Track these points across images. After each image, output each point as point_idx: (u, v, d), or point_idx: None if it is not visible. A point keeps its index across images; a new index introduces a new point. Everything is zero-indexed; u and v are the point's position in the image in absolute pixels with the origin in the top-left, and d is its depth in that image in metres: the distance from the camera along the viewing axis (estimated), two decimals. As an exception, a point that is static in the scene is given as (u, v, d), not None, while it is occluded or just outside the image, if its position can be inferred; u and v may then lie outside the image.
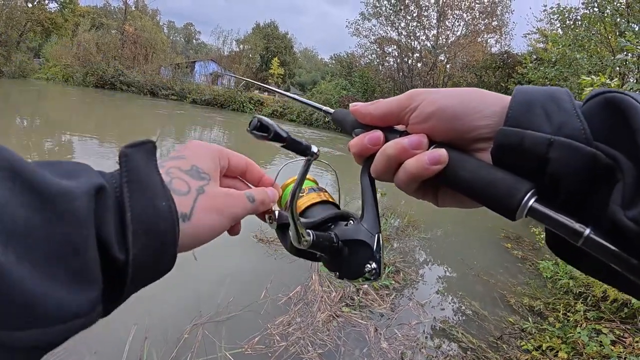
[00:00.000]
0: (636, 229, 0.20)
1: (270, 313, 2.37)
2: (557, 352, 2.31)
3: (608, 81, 3.61)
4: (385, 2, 20.07)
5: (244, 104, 23.74)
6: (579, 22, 8.05)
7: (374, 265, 0.32)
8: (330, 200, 0.40)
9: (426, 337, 2.45)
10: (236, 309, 2.36)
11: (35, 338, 0.18)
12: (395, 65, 21.36)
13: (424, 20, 20.18)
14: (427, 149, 0.30)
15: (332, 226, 0.37)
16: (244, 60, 27.57)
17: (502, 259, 4.40)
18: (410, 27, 20.34)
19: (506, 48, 19.52)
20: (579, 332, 2.42)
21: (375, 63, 22.16)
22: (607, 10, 7.07)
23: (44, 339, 0.19)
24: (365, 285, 2.88)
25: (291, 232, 0.32)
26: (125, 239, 0.23)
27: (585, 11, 7.62)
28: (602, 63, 7.31)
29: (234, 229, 0.37)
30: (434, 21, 20.25)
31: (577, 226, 0.23)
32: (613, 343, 2.34)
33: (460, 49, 19.69)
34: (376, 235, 0.33)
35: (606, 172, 0.23)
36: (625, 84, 4.49)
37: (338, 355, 2.10)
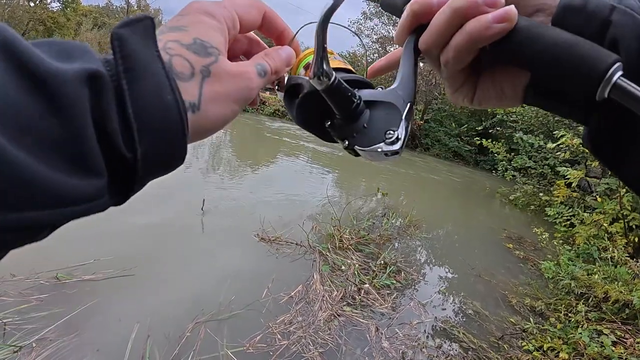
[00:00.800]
0: None
1: (271, 312, 2.38)
2: (558, 352, 2.31)
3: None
4: (388, 1, 20.03)
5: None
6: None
7: (397, 132, 0.27)
8: (351, 69, 0.34)
9: (427, 337, 2.46)
10: (238, 308, 2.37)
11: (31, 219, 0.17)
12: (397, 64, 21.35)
13: (427, 20, 20.15)
14: None
15: (357, 90, 0.31)
16: (246, 59, 27.55)
17: (504, 259, 4.40)
18: (412, 27, 20.32)
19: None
20: (580, 333, 2.42)
21: (378, 62, 22.15)
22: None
23: (42, 219, 0.18)
24: (367, 285, 2.89)
25: (315, 68, 0.27)
26: (130, 136, 0.21)
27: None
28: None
29: (251, 103, 0.33)
30: (437, 20, 20.21)
31: None
32: (614, 344, 2.34)
33: (463, 48, 19.67)
34: (409, 104, 0.29)
35: None
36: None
37: (339, 355, 2.11)
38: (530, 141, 6.54)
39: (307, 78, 0.29)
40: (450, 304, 3.04)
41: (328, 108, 0.30)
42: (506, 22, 0.25)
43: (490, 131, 13.15)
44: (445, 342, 2.43)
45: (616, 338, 2.42)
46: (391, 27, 21.01)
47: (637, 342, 2.31)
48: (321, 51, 0.27)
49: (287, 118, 22.64)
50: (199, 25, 0.27)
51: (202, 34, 0.26)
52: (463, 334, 2.53)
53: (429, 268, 3.78)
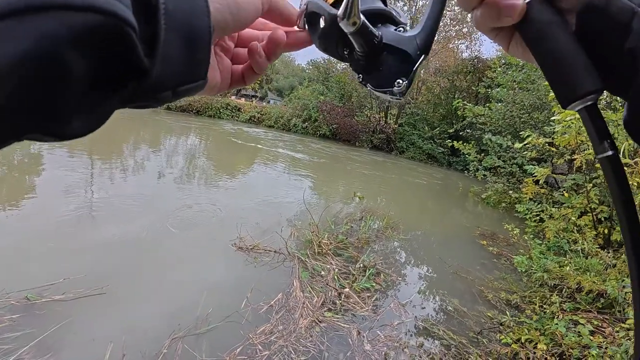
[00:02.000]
0: None
1: (251, 322, 2.32)
2: (537, 344, 2.38)
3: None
4: (359, 8, 20.43)
5: (221, 110, 23.41)
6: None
7: (405, 83, 0.30)
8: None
9: (409, 337, 2.47)
10: (216, 320, 2.29)
11: None
12: (370, 70, 21.74)
13: (397, 26, 20.69)
14: None
15: (380, 25, 0.32)
16: (219, 66, 27.21)
17: (479, 255, 4.53)
18: (383, 33, 20.81)
19: (476, 53, 20.34)
20: (556, 324, 2.50)
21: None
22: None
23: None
24: (347, 289, 2.88)
25: (344, 5, 0.28)
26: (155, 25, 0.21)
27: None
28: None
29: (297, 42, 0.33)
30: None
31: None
32: (592, 333, 2.40)
33: (433, 54, 20.30)
34: (422, 56, 0.30)
35: None
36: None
37: (322, 361, 2.08)
38: (498, 142, 6.82)
39: (328, 8, 0.29)
40: (430, 302, 3.09)
41: (348, 40, 0.31)
42: (510, 17, 0.27)
43: (461, 133, 13.61)
44: (426, 340, 2.46)
45: (593, 327, 2.49)
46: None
47: (616, 331, 2.38)
48: None
49: (263, 124, 22.48)
50: None
51: None
52: (443, 331, 2.57)
53: (407, 269, 3.83)
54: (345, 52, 0.33)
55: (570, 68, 0.25)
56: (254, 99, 40.06)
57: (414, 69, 0.30)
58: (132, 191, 4.98)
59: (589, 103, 0.25)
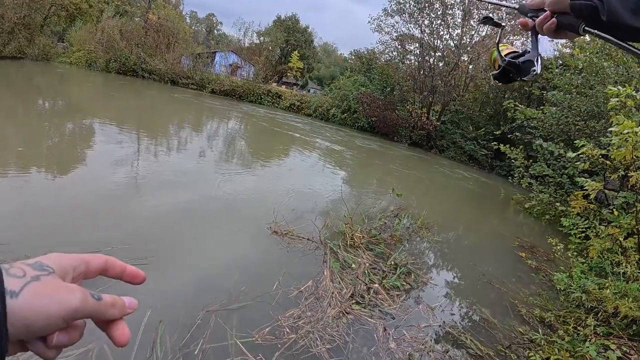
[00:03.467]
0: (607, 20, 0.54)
1: (281, 305, 2.42)
2: (566, 365, 2.28)
3: (634, 93, 3.48)
4: (410, -1, 19.71)
5: (262, 97, 23.84)
6: (608, 29, 7.76)
7: (536, 69, 0.69)
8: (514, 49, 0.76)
9: (434, 341, 2.45)
10: (248, 299, 2.41)
11: None
12: (416, 63, 21.01)
13: (449, 19, 19.72)
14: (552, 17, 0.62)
15: (519, 57, 0.72)
16: (264, 52, 27.59)
17: (515, 267, 4.34)
18: (433, 25, 19.92)
19: (532, 51, 18.94)
20: (588, 347, 2.38)
21: (396, 60, 21.84)
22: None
23: None
24: (376, 285, 2.89)
25: (499, 57, 0.75)
26: None
27: (615, 18, 7.34)
28: (628, 73, 7.04)
29: (76, 331, 0.36)
30: (459, 20, 19.75)
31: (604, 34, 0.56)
32: (619, 359, 2.31)
33: (485, 49, 19.19)
34: (537, 56, 0.69)
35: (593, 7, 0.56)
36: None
37: (346, 352, 2.12)
38: (550, 148, 6.39)
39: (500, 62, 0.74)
40: (459, 309, 3.03)
41: (512, 68, 0.73)
42: (553, 25, 0.63)
43: (508, 136, 12.85)
44: (452, 348, 2.42)
45: (621, 353, 2.38)
46: (412, 25, 20.67)
47: None
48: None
49: (302, 113, 22.64)
50: (45, 257, 0.34)
51: (44, 259, 0.34)
52: (470, 340, 2.52)
53: (438, 271, 3.76)
54: (510, 75, 0.75)
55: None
56: (295, 87, 40.29)
57: (537, 65, 0.70)
58: (175, 168, 5.27)
59: (582, 26, 0.61)
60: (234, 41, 33.72)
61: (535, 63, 0.68)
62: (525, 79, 0.72)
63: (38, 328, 0.30)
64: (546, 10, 0.64)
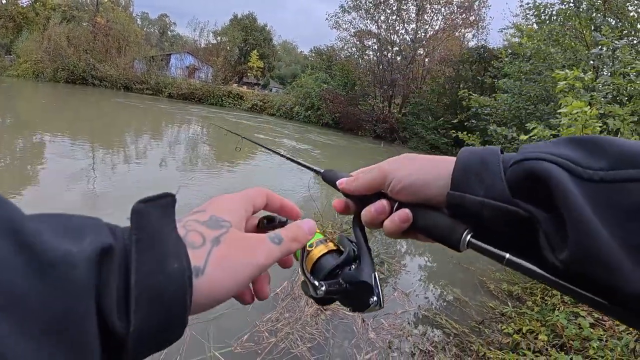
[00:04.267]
0: (562, 266, 0.27)
1: (257, 309, 2.37)
2: (537, 334, 2.41)
3: (581, 74, 3.76)
4: (365, -6, 20.06)
5: (223, 99, 23.28)
6: (554, 17, 8.28)
7: (375, 298, 0.39)
8: (335, 248, 0.46)
9: (412, 325, 2.52)
10: (223, 307, 2.33)
11: None
12: (375, 58, 21.45)
13: (403, 14, 20.32)
14: (394, 210, 0.39)
15: (339, 272, 0.42)
16: (221, 52, 26.90)
17: (482, 247, 4.55)
18: (389, 21, 20.45)
19: (483, 42, 19.97)
20: (557, 316, 2.52)
21: (355, 56, 22.18)
22: (583, 5, 7.31)
23: None
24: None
25: (310, 288, 0.40)
26: (127, 307, 0.21)
27: (561, 6, 7.85)
28: (575, 57, 7.59)
29: (285, 263, 0.38)
30: (413, 15, 20.43)
31: (500, 252, 0.32)
32: (592, 326, 2.40)
33: (439, 42, 19.99)
34: (373, 275, 0.40)
35: (525, 221, 0.30)
36: (598, 77, 4.68)
37: (327, 348, 2.12)
38: (503, 133, 6.77)
39: (314, 283, 0.40)
40: (432, 292, 3.13)
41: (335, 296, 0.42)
42: (408, 222, 0.38)
43: (465, 124, 13.49)
44: (429, 329, 2.50)
45: (594, 320, 2.49)
46: (369, 21, 21.06)
47: (616, 324, 2.39)
48: (309, 281, 0.40)
49: (265, 112, 22.37)
50: (216, 206, 0.32)
51: (217, 211, 0.31)
52: (445, 320, 2.61)
53: (410, 258, 3.86)
54: (335, 298, 0.42)
55: (448, 225, 0.36)
56: (256, 87, 39.71)
57: (373, 286, 0.39)
58: (135, 179, 5.00)
59: (469, 236, 0.34)
60: (189, 42, 32.64)
61: (374, 287, 0.39)
62: (362, 314, 0.47)
63: (224, 298, 0.27)
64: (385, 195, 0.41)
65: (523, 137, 5.47)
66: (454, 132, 9.14)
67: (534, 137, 5.50)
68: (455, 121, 14.16)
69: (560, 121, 4.43)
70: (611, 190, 0.26)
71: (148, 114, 14.36)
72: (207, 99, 22.99)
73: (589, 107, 3.31)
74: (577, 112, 3.85)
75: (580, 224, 0.26)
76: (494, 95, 9.90)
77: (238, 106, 23.29)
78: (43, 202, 3.62)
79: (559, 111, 4.45)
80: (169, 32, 72.20)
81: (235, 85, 27.46)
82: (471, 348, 2.33)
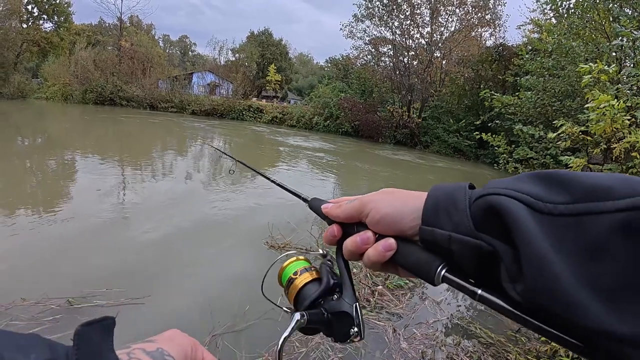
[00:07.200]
0: (520, 299, 0.28)
1: (287, 319, 2.37)
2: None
3: (606, 67, 3.60)
4: (378, 2, 20.16)
5: (243, 112, 23.84)
6: (572, 10, 8.02)
7: (356, 329, 0.40)
8: (318, 276, 0.47)
9: (445, 335, 2.45)
10: (253, 317, 2.36)
11: None
12: (391, 64, 21.40)
13: (417, 18, 20.24)
14: (377, 241, 0.40)
15: (322, 302, 0.43)
16: (240, 68, 27.68)
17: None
18: (403, 26, 20.39)
19: (501, 40, 19.52)
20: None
21: (372, 63, 22.21)
22: (599, -4, 7.06)
23: None
24: (380, 287, 2.89)
25: (293, 320, 0.41)
26: None
27: (578, -2, 7.61)
28: (598, 50, 7.29)
29: None
30: (427, 18, 20.30)
31: (472, 288, 0.32)
32: None
33: (455, 44, 19.71)
34: (354, 305, 0.41)
35: (489, 255, 0.31)
36: (622, 69, 4.47)
37: (359, 358, 2.10)
38: (530, 132, 6.54)
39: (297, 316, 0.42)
40: (463, 300, 3.03)
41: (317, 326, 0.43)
42: (392, 250, 0.38)
43: (489, 125, 13.15)
44: (463, 339, 2.42)
45: None
46: (383, 28, 21.09)
47: None
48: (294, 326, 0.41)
49: (285, 124, 22.71)
50: (167, 339, 0.33)
51: (166, 345, 0.32)
52: (480, 329, 2.52)
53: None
54: (317, 327, 0.43)
55: (424, 259, 0.36)
56: (275, 99, 40.45)
57: (354, 317, 0.40)
58: (163, 193, 5.18)
59: (444, 271, 0.34)
60: (209, 60, 33.76)
61: (354, 318, 0.40)
62: (345, 343, 0.46)
63: None
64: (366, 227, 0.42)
65: (551, 135, 5.27)
66: (477, 134, 8.92)
67: (562, 135, 5.29)
68: (478, 122, 13.84)
69: (589, 116, 4.24)
70: (572, 223, 0.26)
71: (174, 129, 14.91)
72: (229, 113, 23.63)
73: (615, 100, 3.15)
74: (605, 106, 3.68)
75: (533, 257, 0.26)
76: (517, 93, 9.61)
77: (258, 119, 23.76)
78: (78, 217, 3.81)
79: (586, 106, 4.27)
80: (190, 52, 75.24)
81: (255, 99, 28.09)
82: (508, 358, 2.24)
